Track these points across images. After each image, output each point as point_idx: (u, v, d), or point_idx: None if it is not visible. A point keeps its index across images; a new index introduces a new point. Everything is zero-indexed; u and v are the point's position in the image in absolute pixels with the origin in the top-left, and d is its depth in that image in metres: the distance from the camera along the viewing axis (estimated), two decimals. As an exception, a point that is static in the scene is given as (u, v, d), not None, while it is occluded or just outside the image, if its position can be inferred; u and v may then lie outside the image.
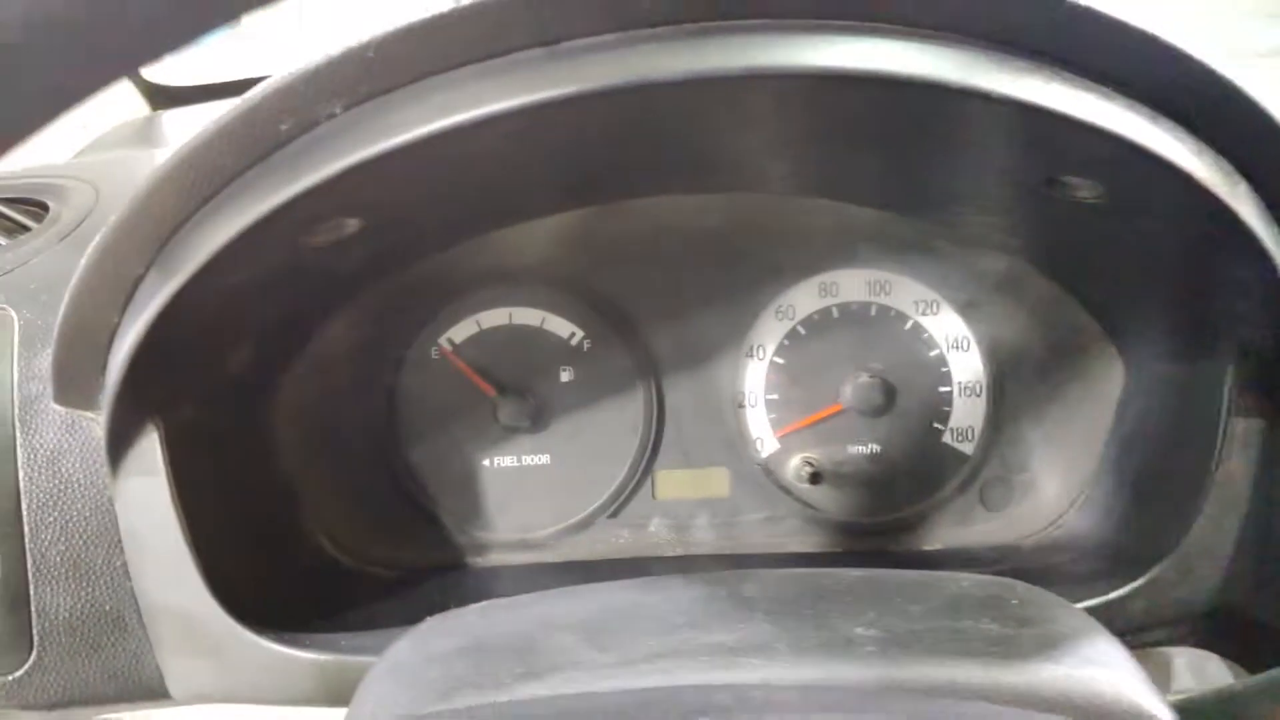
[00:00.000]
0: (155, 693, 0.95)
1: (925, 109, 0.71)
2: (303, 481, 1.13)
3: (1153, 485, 1.04)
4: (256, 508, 1.06)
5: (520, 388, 1.20)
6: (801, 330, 1.21)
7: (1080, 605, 0.93)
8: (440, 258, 1.07)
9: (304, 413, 1.13)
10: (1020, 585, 0.74)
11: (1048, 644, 0.65)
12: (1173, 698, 0.65)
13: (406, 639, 0.73)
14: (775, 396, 1.22)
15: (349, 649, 0.90)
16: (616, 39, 0.64)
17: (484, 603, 0.78)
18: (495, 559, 1.21)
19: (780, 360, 1.21)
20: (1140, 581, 0.94)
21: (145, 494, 0.88)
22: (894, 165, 0.92)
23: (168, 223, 0.76)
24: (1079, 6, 0.65)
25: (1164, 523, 0.97)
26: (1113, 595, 0.94)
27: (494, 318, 1.20)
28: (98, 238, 0.79)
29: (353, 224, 0.82)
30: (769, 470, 1.22)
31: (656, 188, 1.02)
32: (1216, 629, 0.98)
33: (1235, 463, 0.93)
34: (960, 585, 0.75)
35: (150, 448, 0.88)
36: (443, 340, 1.19)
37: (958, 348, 1.20)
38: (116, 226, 0.78)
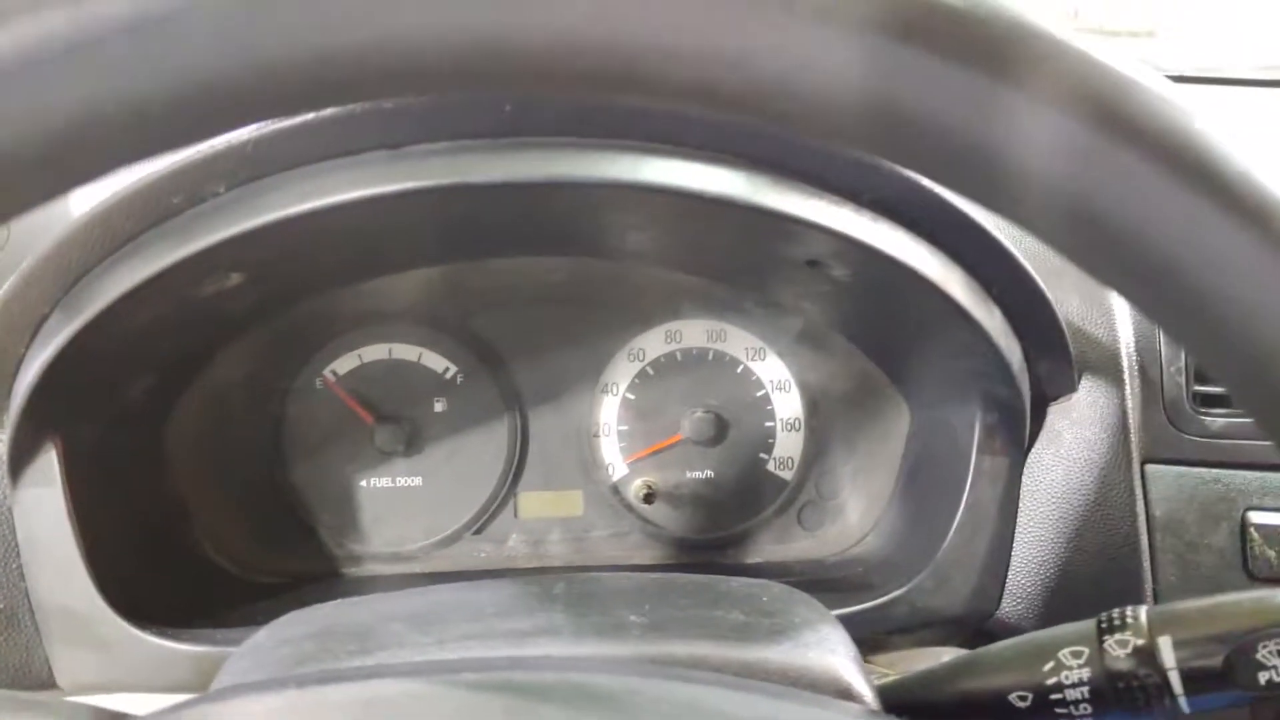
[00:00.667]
0: (44, 683, 1.04)
1: (704, 210, 0.89)
2: (193, 497, 1.24)
3: (923, 511, 1.22)
4: (148, 519, 1.17)
5: (396, 415, 1.33)
6: (650, 370, 1.37)
7: (852, 609, 1.11)
8: (321, 301, 1.21)
9: (196, 436, 1.24)
10: (777, 586, 0.89)
11: (778, 630, 0.80)
12: (885, 680, 0.80)
13: (266, 629, 0.86)
14: (625, 427, 1.37)
15: (225, 642, 1.02)
16: (447, 147, 0.81)
17: (338, 600, 0.92)
18: (369, 569, 1.33)
19: (631, 396, 1.37)
20: (902, 590, 1.10)
21: (42, 504, 0.98)
22: (700, 247, 1.10)
23: (72, 272, 0.90)
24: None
25: (926, 542, 1.14)
26: (880, 600, 1.10)
27: (375, 352, 1.33)
28: (9, 281, 0.92)
29: (236, 277, 0.96)
30: (617, 491, 1.37)
31: (510, 251, 1.18)
32: (973, 632, 1.16)
33: (983, 492, 1.11)
34: (730, 585, 0.90)
35: (49, 463, 0.99)
36: (326, 372, 1.33)
37: (780, 389, 1.37)
38: (27, 272, 0.91)
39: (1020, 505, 1.13)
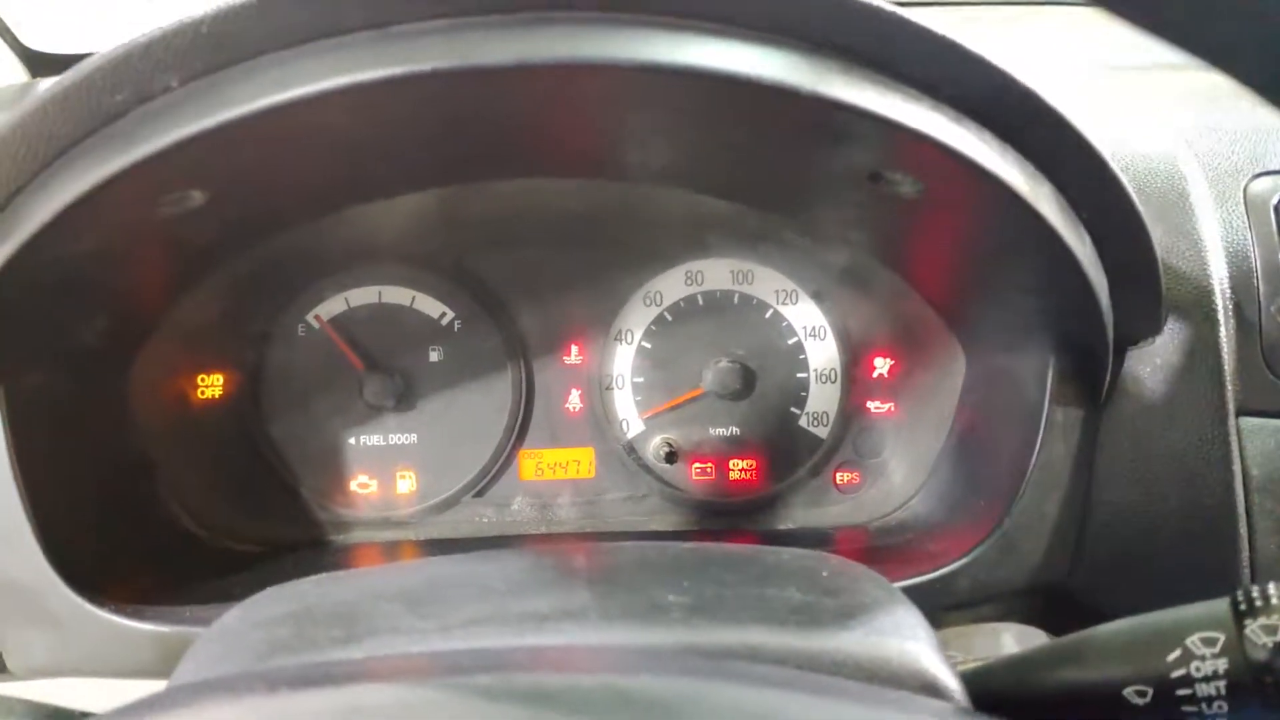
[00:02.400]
0: (-8, 667, 0.93)
1: (750, 106, 0.74)
2: (160, 454, 1.12)
3: (984, 470, 1.09)
4: (108, 479, 1.04)
5: (387, 366, 1.20)
6: (668, 316, 1.24)
7: (910, 582, 0.98)
8: (301, 233, 1.06)
9: (162, 385, 1.12)
10: (835, 559, 0.78)
11: (846, 612, 0.68)
12: (965, 667, 0.69)
13: (238, 608, 0.74)
14: (641, 379, 1.25)
15: (193, 621, 0.90)
16: (447, 24, 0.66)
17: (322, 575, 0.79)
18: (357, 536, 1.22)
19: (647, 345, 1.24)
20: (965, 560, 0.98)
21: (-20, 461, 0.86)
22: (735, 160, 0.95)
23: (1, 190, 0.75)
24: (890, 14, 0.70)
25: (990, 505, 1.02)
26: (940, 572, 0.98)
27: (363, 295, 1.20)
28: None
29: (198, 196, 0.81)
30: (632, 450, 1.25)
31: (515, 171, 1.04)
32: (1037, 605, 1.04)
33: (1055, 449, 0.99)
34: (779, 557, 0.78)
35: (-12, 414, 0.86)
36: (310, 317, 1.19)
37: (814, 336, 1.25)
38: None
39: (1094, 463, 1.00)
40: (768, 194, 1.05)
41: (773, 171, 0.95)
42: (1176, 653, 0.60)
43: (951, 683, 0.64)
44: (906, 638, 0.67)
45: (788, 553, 0.79)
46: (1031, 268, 0.89)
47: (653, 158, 0.96)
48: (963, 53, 0.71)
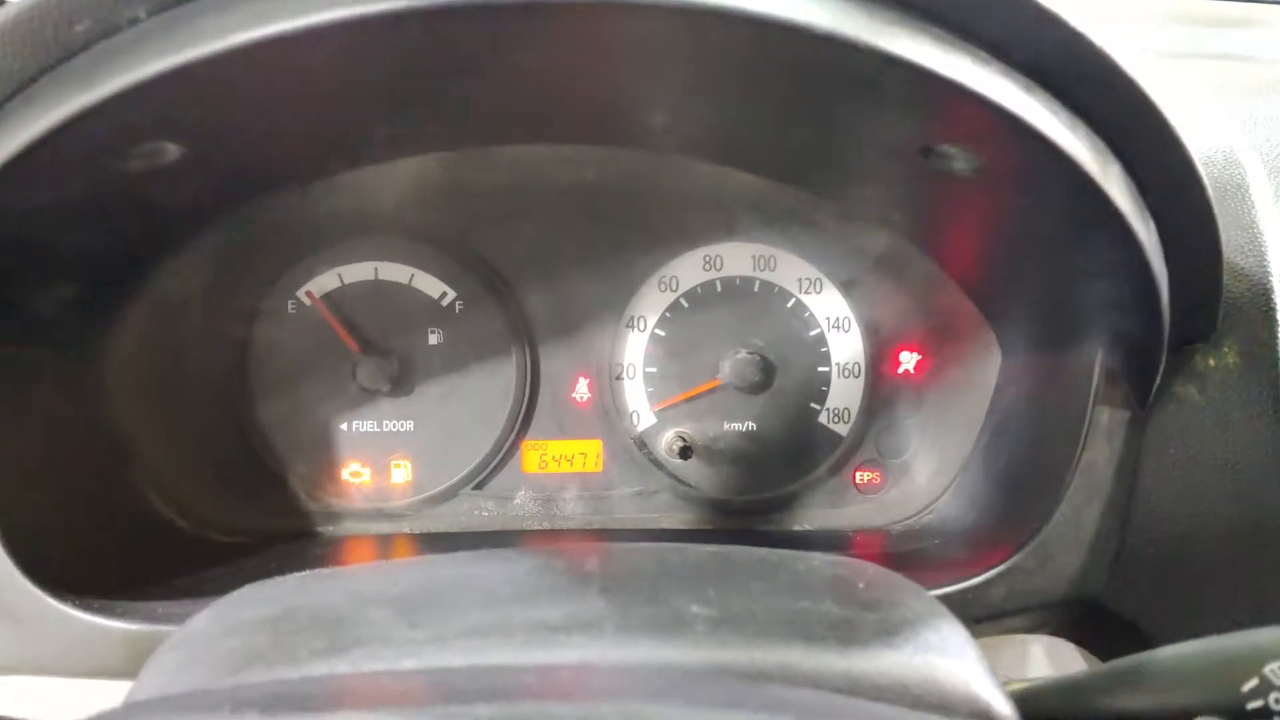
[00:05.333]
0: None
1: (799, 60, 0.67)
2: (137, 436, 1.05)
3: (1019, 473, 1.03)
4: (79, 462, 0.98)
5: (383, 348, 1.13)
6: (684, 303, 1.18)
7: (940, 591, 0.93)
8: (290, 199, 0.99)
9: (141, 361, 1.05)
10: (871, 567, 0.71)
11: (889, 629, 0.62)
12: (1014, 687, 0.64)
13: (212, 608, 0.67)
14: (654, 369, 1.19)
15: (165, 618, 0.84)
16: (458, -44, 0.59)
17: (306, 572, 0.72)
18: (348, 528, 1.15)
19: (661, 332, 1.18)
20: (1000, 569, 0.93)
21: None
22: (774, 127, 0.87)
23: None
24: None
25: (1026, 511, 0.96)
26: (972, 582, 0.93)
27: (358, 272, 1.13)
28: None
29: (173, 149, 0.74)
30: (643, 444, 1.19)
31: (525, 134, 0.96)
32: (1073, 618, 0.98)
33: (1098, 453, 0.93)
34: (810, 564, 0.71)
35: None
36: (301, 293, 1.12)
37: (838, 328, 1.18)
38: None
39: (1138, 470, 0.93)
40: (805, 168, 0.97)
41: (815, 141, 0.88)
42: (1253, 682, 0.56)
43: (1005, 709, 0.59)
44: (955, 657, 0.62)
45: (818, 559, 0.73)
46: (1089, 256, 0.82)
47: (682, 122, 0.88)
48: (1039, 10, 0.63)
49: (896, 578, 0.71)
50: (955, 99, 0.65)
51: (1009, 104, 0.65)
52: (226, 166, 0.84)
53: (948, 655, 0.61)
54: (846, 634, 0.60)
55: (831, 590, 0.66)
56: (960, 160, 0.77)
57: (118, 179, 0.75)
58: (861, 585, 0.68)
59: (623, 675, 0.52)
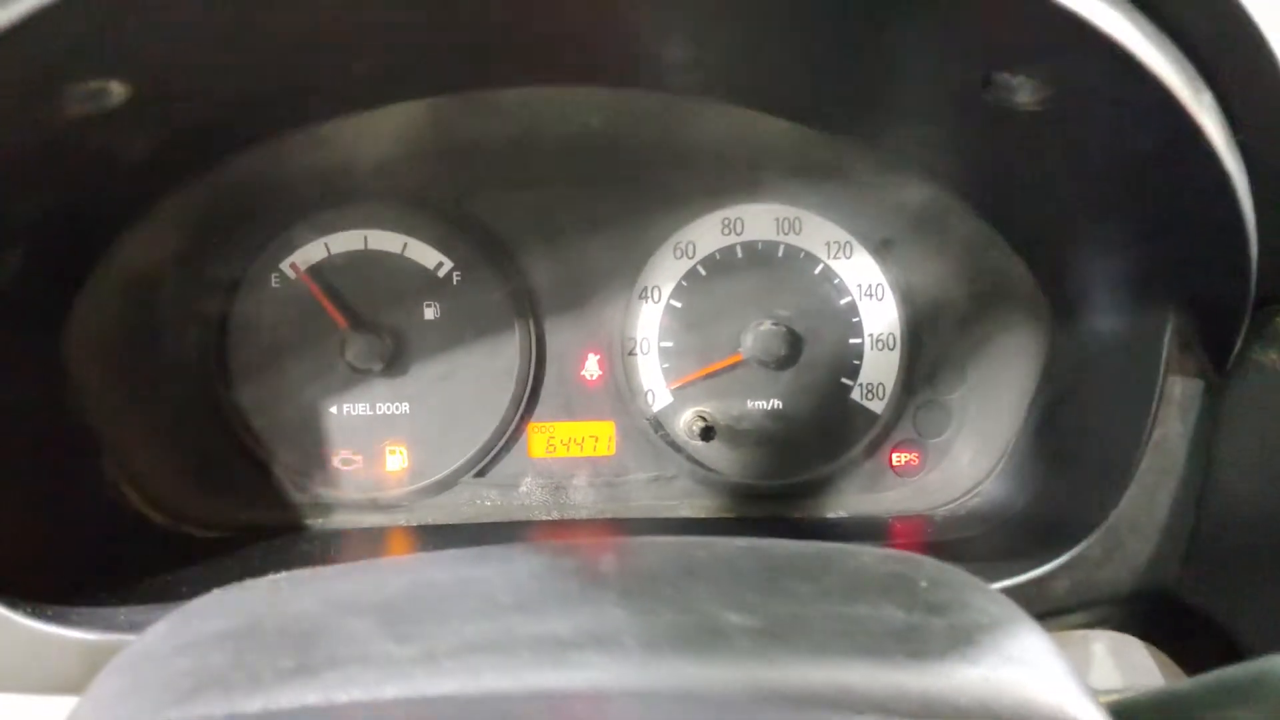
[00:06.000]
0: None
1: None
2: (105, 424, 0.98)
3: (1078, 452, 0.95)
4: (39, 451, 0.90)
5: (374, 324, 1.05)
6: (702, 270, 1.10)
7: (996, 586, 0.84)
8: (266, 153, 0.90)
9: (108, 340, 0.97)
10: (930, 562, 0.63)
11: (963, 637, 0.53)
12: (1107, 699, 0.56)
13: (166, 620, 0.59)
14: (670, 344, 1.11)
15: (129, 626, 0.76)
16: None
17: (282, 574, 0.63)
18: (339, 521, 1.08)
19: (677, 304, 1.10)
20: (1063, 559, 0.85)
21: None
22: (808, 58, 0.77)
23: None
24: None
25: (1090, 494, 0.88)
26: (1032, 574, 0.85)
27: (346, 240, 1.05)
28: None
29: (117, 90, 0.64)
30: (659, 425, 1.11)
31: (523, 74, 0.86)
32: (1142, 612, 0.90)
33: (1170, 429, 0.84)
34: (861, 561, 0.63)
35: None
36: (284, 265, 1.04)
37: (871, 295, 1.10)
38: None
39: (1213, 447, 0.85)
40: (845, 108, 0.88)
41: (858, 74, 0.78)
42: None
43: (1108, 733, 0.50)
44: (1043, 669, 0.53)
45: (869, 553, 0.65)
46: (1168, 203, 0.72)
47: (704, 55, 0.78)
48: None
49: (961, 574, 0.62)
50: (1027, 9, 0.54)
51: (1089, 14, 0.55)
52: (185, 112, 0.75)
53: (1034, 667, 0.53)
54: (915, 645, 0.52)
55: (890, 591, 0.57)
56: (1025, 91, 0.68)
57: (58, 127, 0.65)
58: (924, 584, 0.59)
59: (650, 705, 0.43)
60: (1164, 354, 0.83)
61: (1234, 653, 0.83)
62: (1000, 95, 0.69)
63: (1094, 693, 0.53)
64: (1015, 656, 0.53)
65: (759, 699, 0.46)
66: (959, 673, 0.50)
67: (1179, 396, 0.84)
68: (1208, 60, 0.63)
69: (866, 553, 0.64)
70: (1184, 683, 0.60)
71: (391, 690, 0.46)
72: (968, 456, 1.09)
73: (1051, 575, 0.84)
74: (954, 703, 0.48)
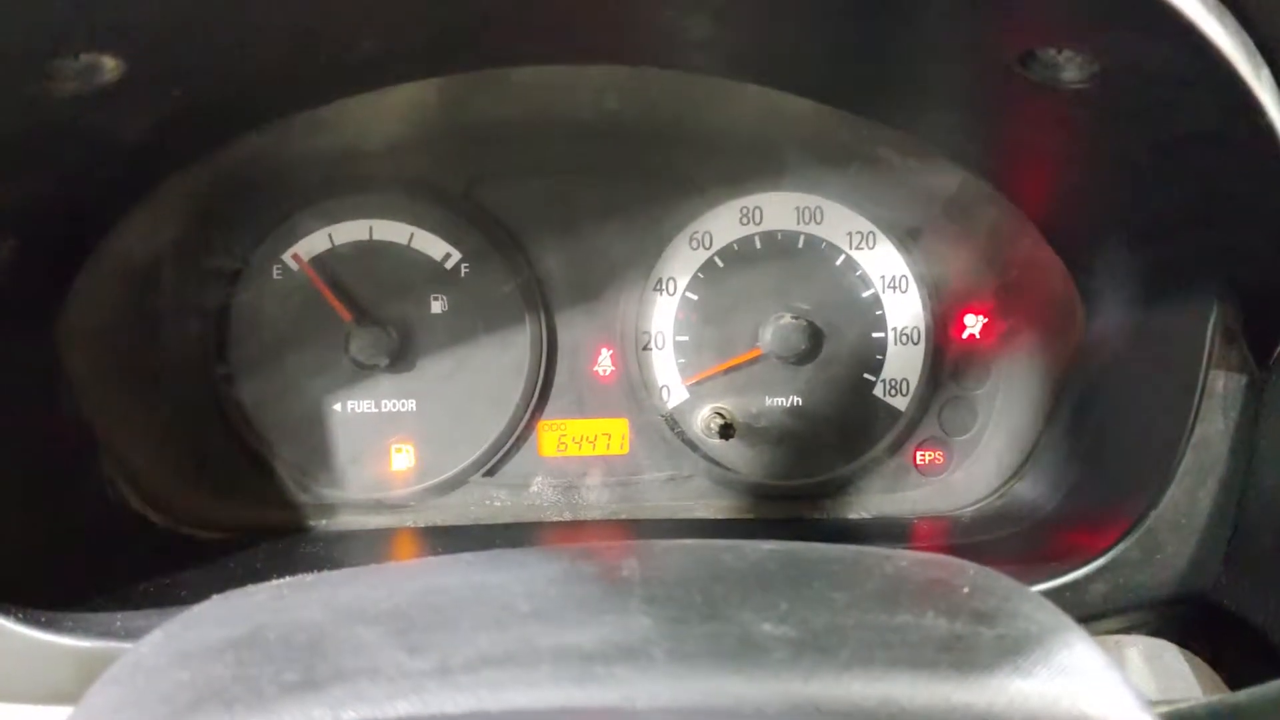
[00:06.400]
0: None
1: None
2: (102, 421, 0.96)
3: (1113, 450, 0.93)
4: (31, 449, 0.88)
5: (380, 317, 1.03)
6: (719, 262, 1.07)
7: (1040, 587, 0.81)
8: (269, 140, 0.88)
9: (105, 333, 0.95)
10: (972, 567, 0.61)
11: (1012, 647, 0.50)
12: (1162, 709, 0.54)
13: (166, 626, 0.56)
14: (686, 338, 1.08)
15: (124, 633, 0.73)
16: None
17: (282, 581, 0.59)
18: (344, 522, 1.06)
19: (693, 296, 1.08)
20: (1100, 561, 0.82)
21: None
22: (836, 35, 0.74)
23: None
24: None
25: (1126, 493, 0.86)
26: (1068, 578, 0.83)
27: (350, 231, 1.03)
28: None
29: (110, 64, 0.62)
30: (675, 422, 1.09)
31: (535, 51, 0.83)
32: (1180, 616, 0.87)
33: (1213, 425, 0.82)
34: (897, 566, 0.60)
35: None
36: (286, 255, 1.02)
37: (894, 288, 1.08)
38: None
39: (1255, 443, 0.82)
40: (873, 88, 0.85)
41: (891, 51, 0.75)
42: None
43: (1166, 751, 0.47)
44: (1097, 680, 0.50)
45: (906, 557, 0.62)
46: (1218, 187, 0.69)
47: (728, 30, 0.76)
48: None
49: (1005, 579, 0.59)
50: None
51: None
52: (181, 90, 0.71)
53: (1088, 678, 0.49)
54: (962, 656, 0.49)
55: (932, 598, 0.54)
56: (1070, 68, 0.65)
57: (49, 107, 0.62)
58: (966, 590, 0.56)
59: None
60: (1207, 347, 0.81)
61: (1273, 659, 0.80)
62: (1043, 72, 0.66)
63: (1150, 704, 0.50)
64: (1069, 667, 0.49)
65: (800, 716, 0.43)
66: (1011, 685, 0.47)
67: (1221, 391, 0.81)
68: (1267, 34, 0.60)
69: (903, 556, 0.62)
70: (1239, 693, 0.58)
71: (403, 706, 0.43)
72: (995, 454, 1.07)
73: (1088, 579, 0.82)
74: (1006, 717, 0.45)
